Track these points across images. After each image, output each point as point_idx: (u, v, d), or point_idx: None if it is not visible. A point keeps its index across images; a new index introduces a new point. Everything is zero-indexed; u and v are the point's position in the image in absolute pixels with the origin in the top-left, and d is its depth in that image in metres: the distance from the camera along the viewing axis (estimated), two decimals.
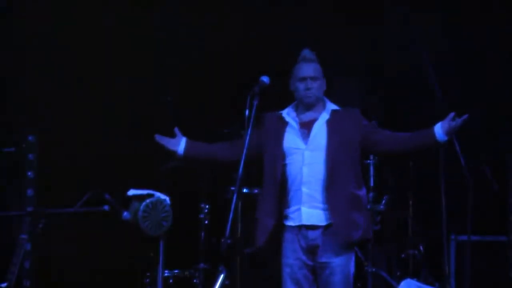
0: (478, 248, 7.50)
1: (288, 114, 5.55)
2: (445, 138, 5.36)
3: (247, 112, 5.24)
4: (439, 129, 5.36)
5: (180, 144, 5.67)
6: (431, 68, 6.69)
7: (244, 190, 7.31)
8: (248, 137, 5.18)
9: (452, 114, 5.34)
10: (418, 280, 7.16)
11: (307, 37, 8.02)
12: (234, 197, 5.08)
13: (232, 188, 7.26)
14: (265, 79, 5.37)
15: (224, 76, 8.28)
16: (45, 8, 8.00)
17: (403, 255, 7.65)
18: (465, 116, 5.32)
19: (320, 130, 5.45)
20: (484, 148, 7.73)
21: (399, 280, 7.22)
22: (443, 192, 6.79)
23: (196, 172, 7.69)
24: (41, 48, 7.94)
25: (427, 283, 7.10)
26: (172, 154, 5.70)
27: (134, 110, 8.20)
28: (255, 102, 5.26)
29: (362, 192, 5.48)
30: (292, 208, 5.43)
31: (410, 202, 7.66)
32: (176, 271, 7.57)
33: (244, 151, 5.15)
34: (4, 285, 6.03)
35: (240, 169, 5.11)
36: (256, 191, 7.56)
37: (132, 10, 8.24)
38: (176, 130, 5.70)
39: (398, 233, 7.80)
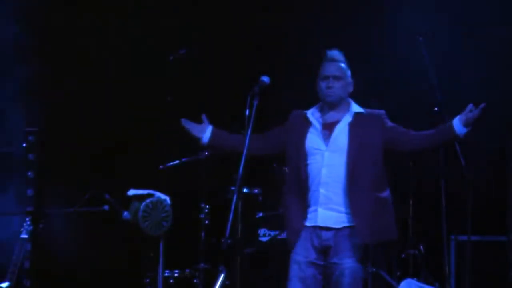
0: (478, 248, 7.49)
1: (312, 114, 5.55)
2: (465, 130, 5.37)
3: (247, 112, 5.24)
4: (457, 123, 5.37)
5: (206, 132, 5.64)
6: (432, 68, 6.69)
7: (244, 190, 7.31)
8: (248, 137, 5.18)
9: (470, 106, 5.35)
10: (418, 280, 7.16)
11: (306, 37, 8.03)
12: (234, 197, 5.08)
13: (232, 188, 7.26)
14: (265, 79, 5.36)
15: (223, 75, 8.28)
16: (45, 8, 8.00)
17: (403, 255, 7.64)
18: (482, 105, 5.33)
19: (341, 132, 5.45)
20: (484, 148, 7.73)
21: (399, 280, 7.21)
22: (443, 192, 6.79)
23: (196, 172, 7.69)
24: (41, 48, 7.93)
25: (427, 283, 7.10)
26: (196, 140, 5.67)
27: (135, 110, 8.20)
28: (255, 102, 5.25)
29: (386, 193, 5.50)
30: (310, 209, 5.43)
31: (410, 202, 7.66)
32: (176, 271, 7.56)
33: (244, 151, 5.14)
34: (5, 285, 6.03)
35: (240, 169, 5.11)
36: (256, 191, 7.57)
37: (132, 9, 8.24)
38: (204, 117, 5.67)
39: (398, 233, 7.79)
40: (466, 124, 5.35)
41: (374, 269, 7.29)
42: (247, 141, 5.17)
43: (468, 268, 7.02)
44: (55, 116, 7.96)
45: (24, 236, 6.15)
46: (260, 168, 5.68)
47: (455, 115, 5.43)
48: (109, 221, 6.92)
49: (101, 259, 8.02)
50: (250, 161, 5.18)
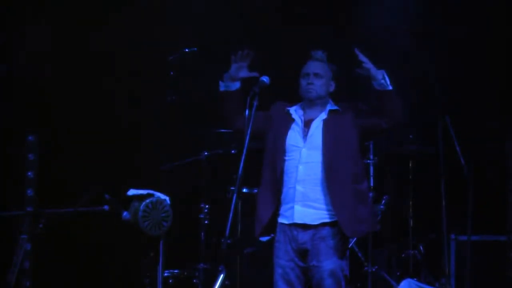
0: (478, 248, 7.49)
1: (295, 111, 5.59)
2: (378, 82, 5.36)
3: (247, 112, 5.24)
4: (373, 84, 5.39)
5: (235, 81, 5.56)
6: (432, 67, 6.70)
7: (244, 190, 7.32)
8: (248, 137, 5.18)
9: (358, 71, 5.37)
10: (418, 280, 7.16)
11: (305, 37, 8.03)
12: (234, 197, 5.08)
13: (232, 188, 7.26)
14: (265, 79, 5.37)
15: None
16: (46, 9, 8.00)
17: (403, 255, 7.65)
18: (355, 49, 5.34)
19: (316, 129, 5.49)
20: (484, 148, 7.73)
21: (399, 280, 7.22)
22: (443, 192, 6.79)
23: (196, 172, 7.69)
24: (41, 48, 7.94)
25: (427, 283, 7.10)
26: (228, 74, 5.58)
27: (135, 110, 8.20)
28: (255, 103, 5.26)
29: (365, 185, 5.52)
30: (286, 206, 5.46)
31: (410, 202, 7.66)
32: (176, 271, 7.57)
33: (244, 151, 5.14)
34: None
35: (240, 169, 5.11)
36: (256, 191, 7.56)
37: (133, 10, 8.24)
38: (255, 75, 5.55)
39: (398, 233, 7.80)
40: (373, 76, 5.35)
41: (374, 269, 7.31)
42: (246, 141, 5.17)
43: (468, 268, 7.02)
44: (56, 116, 7.96)
45: (24, 236, 6.15)
46: (259, 168, 5.67)
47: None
48: (109, 221, 6.92)
49: (101, 259, 8.02)
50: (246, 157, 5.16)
